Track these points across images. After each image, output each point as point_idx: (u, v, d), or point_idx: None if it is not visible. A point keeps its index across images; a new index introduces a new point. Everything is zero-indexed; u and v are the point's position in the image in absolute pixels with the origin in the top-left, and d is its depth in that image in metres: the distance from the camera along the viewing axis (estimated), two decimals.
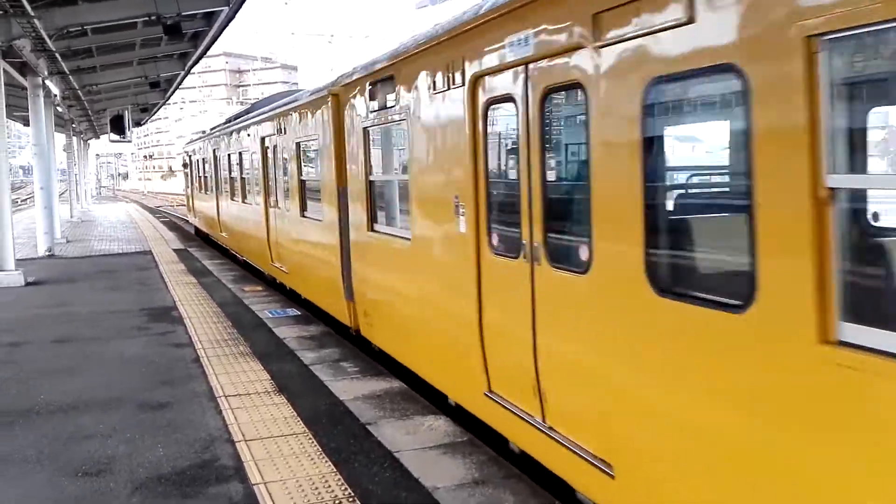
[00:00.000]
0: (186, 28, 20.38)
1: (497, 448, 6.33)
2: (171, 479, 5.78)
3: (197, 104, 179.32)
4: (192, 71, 31.51)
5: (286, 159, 13.49)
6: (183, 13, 18.05)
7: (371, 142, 9.16)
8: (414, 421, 7.00)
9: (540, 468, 5.69)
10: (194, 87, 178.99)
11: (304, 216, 12.54)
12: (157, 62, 28.00)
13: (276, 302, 13.64)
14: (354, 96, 9.32)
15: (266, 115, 15.13)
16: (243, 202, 18.37)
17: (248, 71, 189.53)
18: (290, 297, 14.16)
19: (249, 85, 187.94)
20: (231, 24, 21.01)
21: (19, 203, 54.11)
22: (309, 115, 11.59)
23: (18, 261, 16.92)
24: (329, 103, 10.20)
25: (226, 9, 18.85)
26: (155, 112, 49.08)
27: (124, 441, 6.61)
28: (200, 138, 27.34)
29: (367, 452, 6.22)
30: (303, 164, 12.64)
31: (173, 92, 38.95)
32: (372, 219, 9.14)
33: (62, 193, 42.05)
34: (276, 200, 14.65)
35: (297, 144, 12.62)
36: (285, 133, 13.39)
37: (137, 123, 44.86)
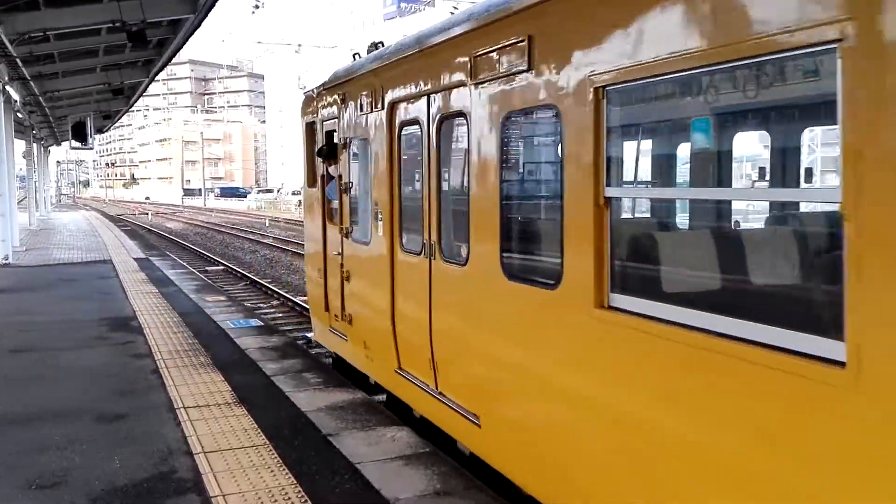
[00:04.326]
0: (151, 35, 20.16)
1: (459, 459, 6.35)
2: (128, 491, 5.69)
3: (161, 112, 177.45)
4: (156, 78, 31.22)
5: None
6: (148, 20, 17.84)
7: None
8: (376, 432, 6.98)
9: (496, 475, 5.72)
10: (159, 95, 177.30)
11: None
12: (120, 69, 27.65)
13: (238, 312, 13.52)
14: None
15: None
16: None
17: (214, 79, 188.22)
18: None
19: (215, 93, 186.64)
20: (197, 32, 20.88)
21: None
22: None
23: None
24: None
25: (192, 17, 18.73)
26: (118, 119, 48.45)
27: (80, 453, 6.49)
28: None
29: (328, 464, 6.19)
30: None
31: (137, 99, 38.51)
32: None
33: (21, 200, 41.30)
34: None
35: None
36: None
37: (99, 130, 44.24)
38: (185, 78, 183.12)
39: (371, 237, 7.94)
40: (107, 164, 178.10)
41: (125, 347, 10.54)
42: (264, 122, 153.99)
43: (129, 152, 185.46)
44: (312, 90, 10.06)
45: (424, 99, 6.62)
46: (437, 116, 6.43)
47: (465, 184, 6.02)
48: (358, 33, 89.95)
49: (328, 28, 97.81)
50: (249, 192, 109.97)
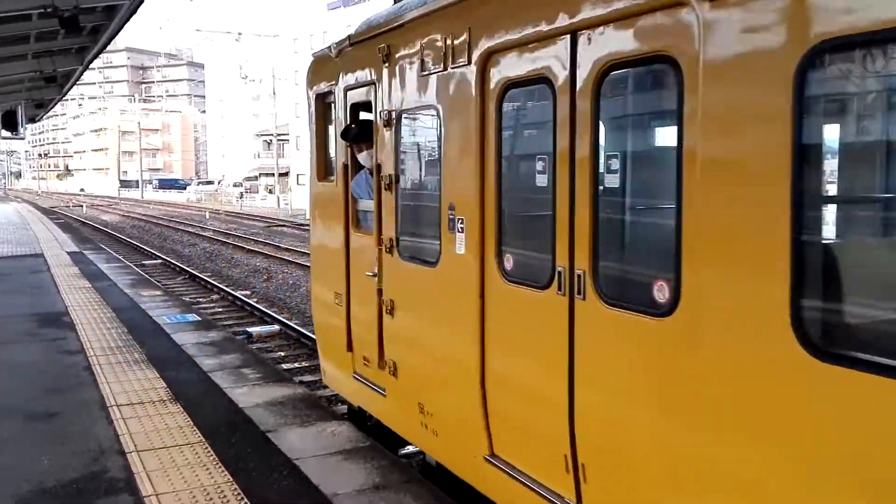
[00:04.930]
0: (85, 21, 19.53)
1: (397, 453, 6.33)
2: (57, 492, 5.53)
3: (97, 101, 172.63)
4: (91, 66, 30.35)
5: None
6: (81, 6, 17.28)
7: None
8: (316, 427, 6.92)
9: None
10: (94, 83, 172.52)
11: None
12: (53, 56, 26.72)
13: (175, 307, 13.25)
14: None
15: None
16: None
17: (152, 68, 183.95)
18: None
19: (153, 82, 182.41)
20: (133, 19, 20.37)
21: None
22: None
23: None
24: None
25: (127, 2, 18.22)
26: (51, 108, 47.00)
27: (7, 453, 6.29)
28: None
29: (266, 461, 6.11)
30: None
31: (70, 87, 37.29)
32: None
33: None
34: None
35: None
36: None
37: (31, 120, 42.86)
38: (122, 66, 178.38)
39: (441, 255, 5.37)
40: (40, 155, 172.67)
41: (56, 344, 10.24)
42: (204, 111, 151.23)
43: (63, 142, 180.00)
44: (330, 47, 7.05)
45: (564, 41, 4.16)
46: (598, 66, 3.94)
47: (668, 177, 3.63)
48: (301, 22, 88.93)
49: (269, 16, 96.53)
50: (189, 184, 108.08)
